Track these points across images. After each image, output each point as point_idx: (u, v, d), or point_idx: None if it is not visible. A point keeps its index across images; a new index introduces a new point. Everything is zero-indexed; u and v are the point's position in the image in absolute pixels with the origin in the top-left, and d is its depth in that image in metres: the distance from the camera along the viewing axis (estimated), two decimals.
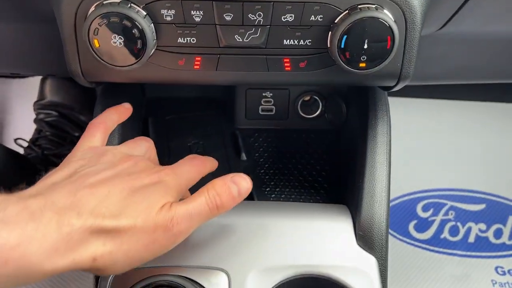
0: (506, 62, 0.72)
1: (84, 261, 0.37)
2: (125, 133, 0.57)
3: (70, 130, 1.09)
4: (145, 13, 0.44)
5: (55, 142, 1.07)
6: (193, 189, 0.45)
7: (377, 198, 0.51)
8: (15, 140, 1.05)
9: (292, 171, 0.67)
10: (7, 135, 1.21)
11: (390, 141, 0.55)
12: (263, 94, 0.70)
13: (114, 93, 0.60)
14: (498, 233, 1.18)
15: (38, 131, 1.09)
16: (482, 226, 1.19)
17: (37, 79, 1.18)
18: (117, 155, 0.46)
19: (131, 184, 0.41)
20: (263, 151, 0.70)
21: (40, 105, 1.11)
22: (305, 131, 0.72)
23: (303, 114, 0.71)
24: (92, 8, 0.44)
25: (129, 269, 0.41)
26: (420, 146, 1.25)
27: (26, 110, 1.20)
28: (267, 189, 0.65)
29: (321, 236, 0.50)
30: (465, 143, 1.27)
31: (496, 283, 1.10)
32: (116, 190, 0.40)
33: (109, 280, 0.46)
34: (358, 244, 0.50)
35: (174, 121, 0.74)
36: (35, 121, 1.11)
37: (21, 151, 1.04)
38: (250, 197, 0.63)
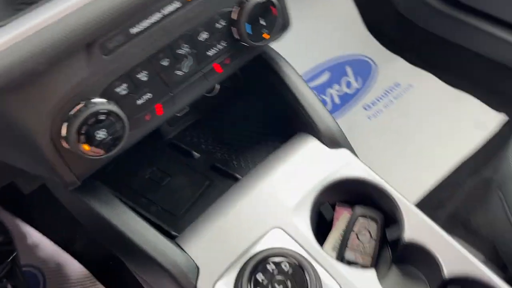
0: None
1: None
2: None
3: None
4: (105, 100, 0.50)
5: None
6: None
7: (321, 112, 0.69)
8: None
9: (238, 138, 0.80)
10: None
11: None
12: None
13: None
14: (348, 84, 1.50)
15: None
16: (336, 86, 1.50)
17: None
18: None
19: None
20: (205, 141, 0.81)
21: None
22: (219, 104, 0.84)
23: (208, 95, 0.83)
24: (65, 126, 0.48)
25: None
26: None
27: None
28: (236, 163, 0.77)
29: (308, 159, 0.67)
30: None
31: (369, 117, 1.43)
32: None
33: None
34: (330, 147, 0.68)
35: (117, 170, 0.78)
36: None
37: None
38: (234, 178, 0.75)
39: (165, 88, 0.55)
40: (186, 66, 0.56)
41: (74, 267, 1.15)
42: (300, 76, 0.72)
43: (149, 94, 0.54)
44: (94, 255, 1.21)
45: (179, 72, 0.55)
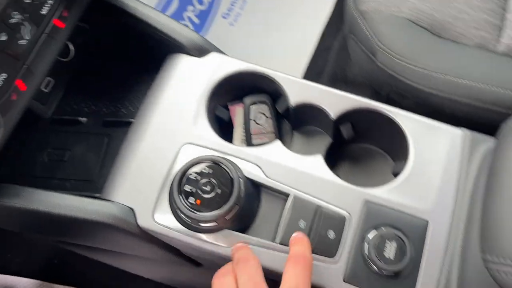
0: None
1: None
2: None
3: None
4: None
5: None
6: None
7: (178, 28, 0.71)
8: None
9: (116, 88, 0.81)
10: None
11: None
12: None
13: None
14: (200, 1, 1.51)
15: None
16: (190, 8, 1.51)
17: None
18: None
19: None
20: (85, 104, 0.80)
21: None
22: (82, 65, 0.82)
23: (65, 60, 0.81)
24: None
25: None
26: None
27: None
28: (124, 110, 0.79)
29: (185, 74, 0.70)
30: None
31: (231, 23, 1.47)
32: None
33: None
34: (200, 56, 0.72)
35: (13, 169, 0.76)
36: None
37: None
38: (128, 123, 0.76)
39: (17, 62, 0.54)
40: (26, 33, 0.54)
41: (23, 283, 1.13)
42: (146, 4, 0.73)
43: (3, 74, 0.53)
44: (36, 264, 1.19)
45: (22, 42, 0.54)
